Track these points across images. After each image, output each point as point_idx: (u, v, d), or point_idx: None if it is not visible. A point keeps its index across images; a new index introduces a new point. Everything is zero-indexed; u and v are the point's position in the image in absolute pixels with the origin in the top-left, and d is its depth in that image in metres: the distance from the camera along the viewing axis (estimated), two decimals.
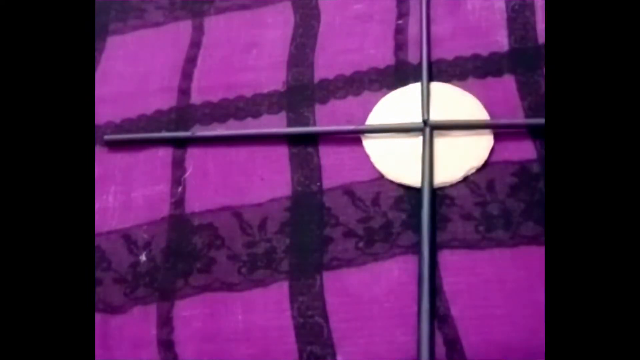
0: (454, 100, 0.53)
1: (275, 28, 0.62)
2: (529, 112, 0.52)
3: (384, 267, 0.47)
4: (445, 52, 0.57)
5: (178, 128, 0.58)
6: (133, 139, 0.58)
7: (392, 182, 0.51)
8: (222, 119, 0.58)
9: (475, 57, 0.56)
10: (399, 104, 0.55)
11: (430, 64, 0.56)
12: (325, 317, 0.46)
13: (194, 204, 0.54)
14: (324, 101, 0.56)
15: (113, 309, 0.50)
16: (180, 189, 0.55)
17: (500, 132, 0.51)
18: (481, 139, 0.51)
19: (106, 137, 0.58)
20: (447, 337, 0.44)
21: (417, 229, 0.47)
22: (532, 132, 0.51)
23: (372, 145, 0.53)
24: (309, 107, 0.56)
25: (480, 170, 0.49)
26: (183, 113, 0.59)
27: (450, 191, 0.49)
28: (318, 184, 0.52)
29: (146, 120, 0.59)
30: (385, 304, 0.46)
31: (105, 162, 0.57)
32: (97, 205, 0.55)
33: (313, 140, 0.54)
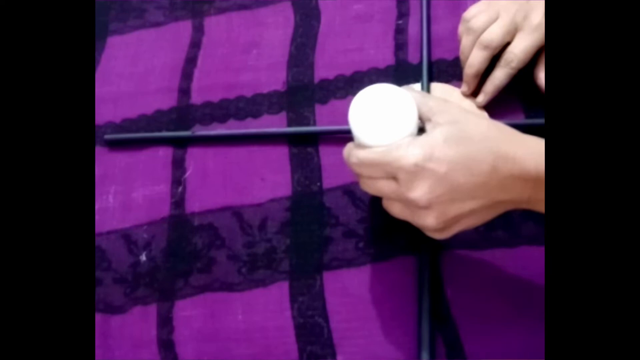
0: (454, 101, 0.53)
1: (275, 28, 0.62)
2: (529, 112, 0.52)
3: (384, 267, 0.48)
4: (445, 52, 0.57)
5: (178, 128, 0.58)
6: (133, 138, 0.58)
7: None
8: (222, 118, 0.58)
9: None
10: None
11: (430, 64, 0.56)
12: (325, 317, 0.46)
13: (194, 204, 0.54)
14: (324, 101, 0.56)
15: (113, 309, 0.50)
16: (180, 189, 0.55)
17: None
18: None
19: (106, 136, 0.58)
20: (447, 337, 0.44)
21: (417, 229, 0.47)
22: (532, 132, 0.50)
23: None
24: (309, 107, 0.56)
25: None
26: (183, 113, 0.59)
27: None
28: (318, 184, 0.52)
29: (146, 120, 0.59)
30: (385, 304, 0.46)
31: (105, 162, 0.57)
32: (97, 205, 0.55)
33: (313, 140, 0.54)
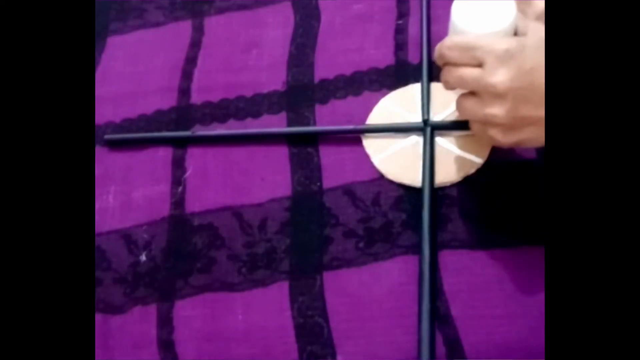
0: (454, 100, 0.53)
1: (275, 28, 0.62)
2: None
3: (384, 267, 0.47)
4: None
5: (178, 128, 0.58)
6: (133, 138, 0.58)
7: (392, 182, 0.51)
8: (222, 119, 0.58)
9: None
10: (399, 104, 0.55)
11: (430, 64, 0.56)
12: (325, 317, 0.46)
13: (194, 204, 0.54)
14: (324, 101, 0.56)
15: (113, 309, 0.50)
16: (180, 189, 0.55)
17: None
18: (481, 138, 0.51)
19: (106, 137, 0.58)
20: (447, 337, 0.44)
21: (417, 229, 0.47)
22: None
23: (372, 145, 0.53)
24: (309, 107, 0.56)
25: (480, 170, 0.49)
26: (183, 113, 0.59)
27: (450, 191, 0.49)
28: (318, 184, 0.52)
29: (146, 120, 0.59)
30: (385, 304, 0.46)
31: (105, 162, 0.57)
32: (97, 205, 0.55)
33: (313, 140, 0.54)
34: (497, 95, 0.40)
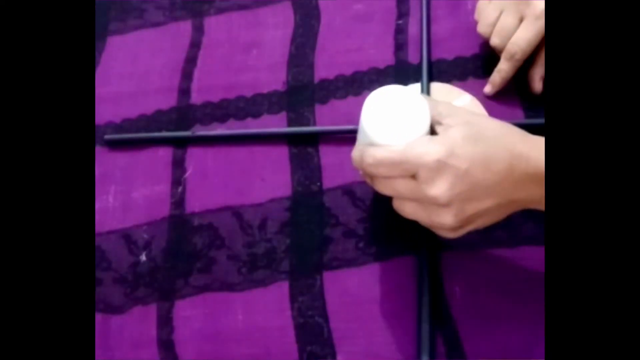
0: (453, 100, 0.53)
1: (275, 28, 0.62)
2: (529, 112, 0.52)
3: (384, 267, 0.47)
4: (445, 52, 0.57)
5: (178, 128, 0.58)
6: (133, 138, 0.58)
7: None
8: (222, 118, 0.58)
9: (475, 57, 0.56)
10: None
11: (430, 64, 0.56)
12: (325, 317, 0.46)
13: (194, 204, 0.54)
14: (324, 101, 0.56)
15: (113, 309, 0.50)
16: (180, 189, 0.55)
17: None
18: None
19: (106, 137, 0.58)
20: (447, 337, 0.44)
21: (417, 229, 0.47)
22: (531, 131, 0.50)
23: None
24: (309, 107, 0.56)
25: None
26: (183, 113, 0.59)
27: None
28: (318, 184, 0.52)
29: (146, 120, 0.59)
30: (385, 304, 0.46)
31: (105, 162, 0.57)
32: (97, 205, 0.55)
33: (313, 140, 0.54)
34: (440, 205, 0.37)
